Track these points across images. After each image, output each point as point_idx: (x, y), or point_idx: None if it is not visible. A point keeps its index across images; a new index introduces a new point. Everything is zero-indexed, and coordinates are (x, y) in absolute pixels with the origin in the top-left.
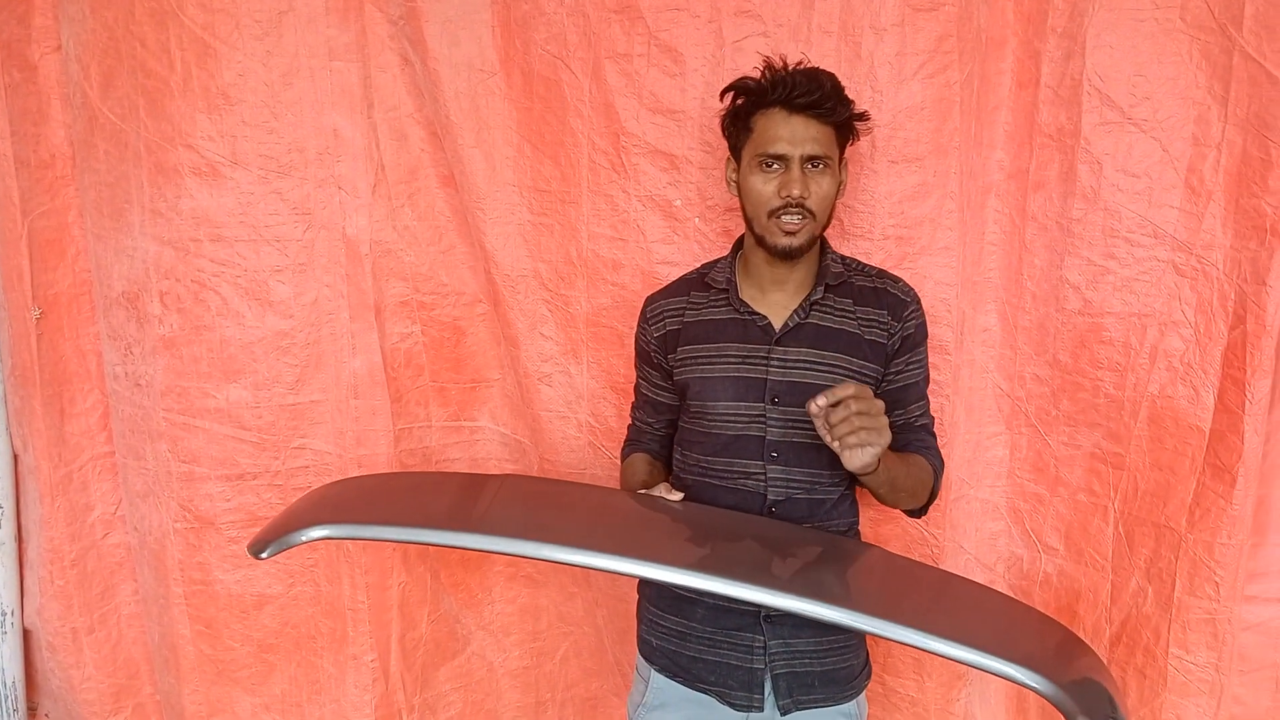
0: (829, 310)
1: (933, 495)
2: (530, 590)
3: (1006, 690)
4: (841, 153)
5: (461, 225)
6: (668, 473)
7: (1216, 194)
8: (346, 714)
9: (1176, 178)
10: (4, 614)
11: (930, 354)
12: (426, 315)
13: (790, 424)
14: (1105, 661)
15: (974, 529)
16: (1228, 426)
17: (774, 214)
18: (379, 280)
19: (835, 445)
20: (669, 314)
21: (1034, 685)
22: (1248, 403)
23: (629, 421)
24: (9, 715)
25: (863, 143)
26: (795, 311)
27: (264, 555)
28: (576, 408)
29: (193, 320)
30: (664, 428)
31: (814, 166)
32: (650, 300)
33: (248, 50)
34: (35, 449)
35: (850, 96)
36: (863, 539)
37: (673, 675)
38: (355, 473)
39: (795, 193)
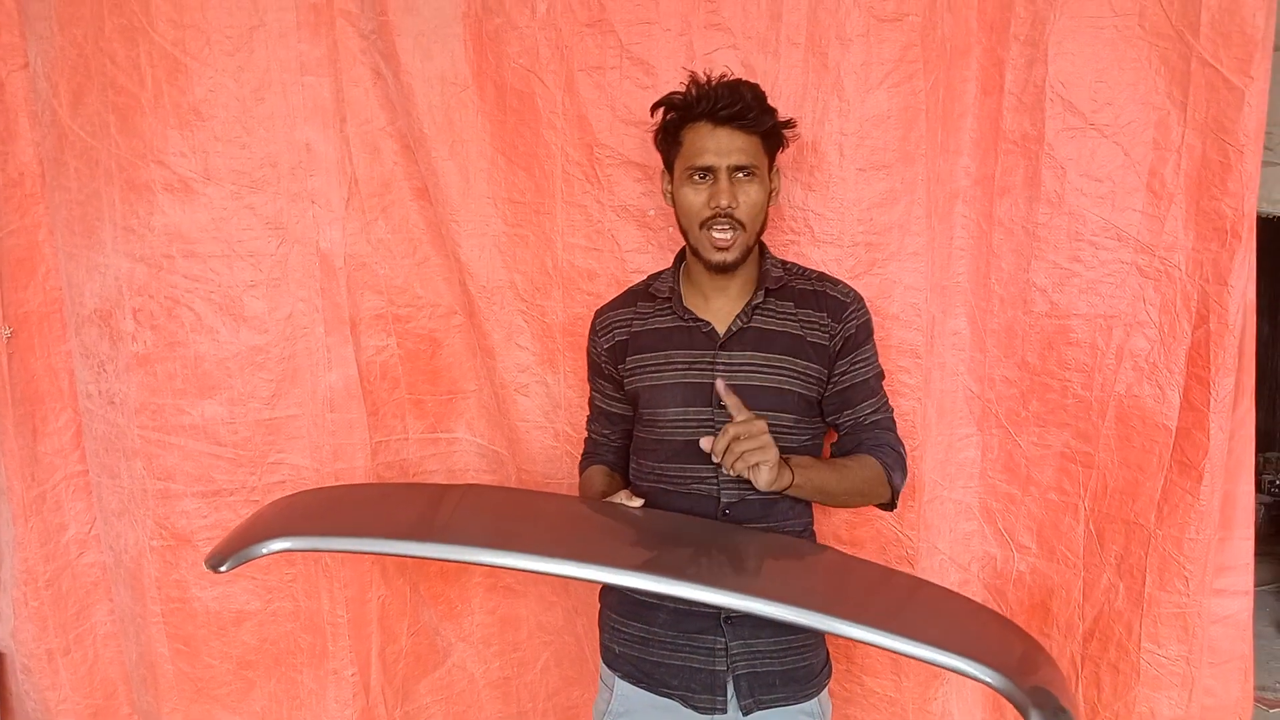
0: (771, 314)
1: (895, 486)
2: (510, 601)
3: (983, 688)
4: (771, 161)
5: (436, 238)
6: (625, 483)
7: (1178, 197)
8: None
9: (1138, 181)
10: None
11: (901, 357)
12: (402, 328)
13: None
14: (1047, 649)
15: (948, 529)
16: (1193, 424)
17: (705, 225)
18: (354, 294)
19: (734, 475)
20: (617, 325)
21: (979, 676)
22: (1212, 400)
23: (585, 434)
24: None
25: (831, 151)
26: (738, 316)
27: (223, 569)
28: (554, 417)
29: (166, 337)
30: (619, 439)
31: (742, 175)
32: (599, 313)
33: (219, 66)
34: (7, 469)
35: (773, 105)
36: (837, 542)
37: (636, 681)
38: None
39: (723, 203)
